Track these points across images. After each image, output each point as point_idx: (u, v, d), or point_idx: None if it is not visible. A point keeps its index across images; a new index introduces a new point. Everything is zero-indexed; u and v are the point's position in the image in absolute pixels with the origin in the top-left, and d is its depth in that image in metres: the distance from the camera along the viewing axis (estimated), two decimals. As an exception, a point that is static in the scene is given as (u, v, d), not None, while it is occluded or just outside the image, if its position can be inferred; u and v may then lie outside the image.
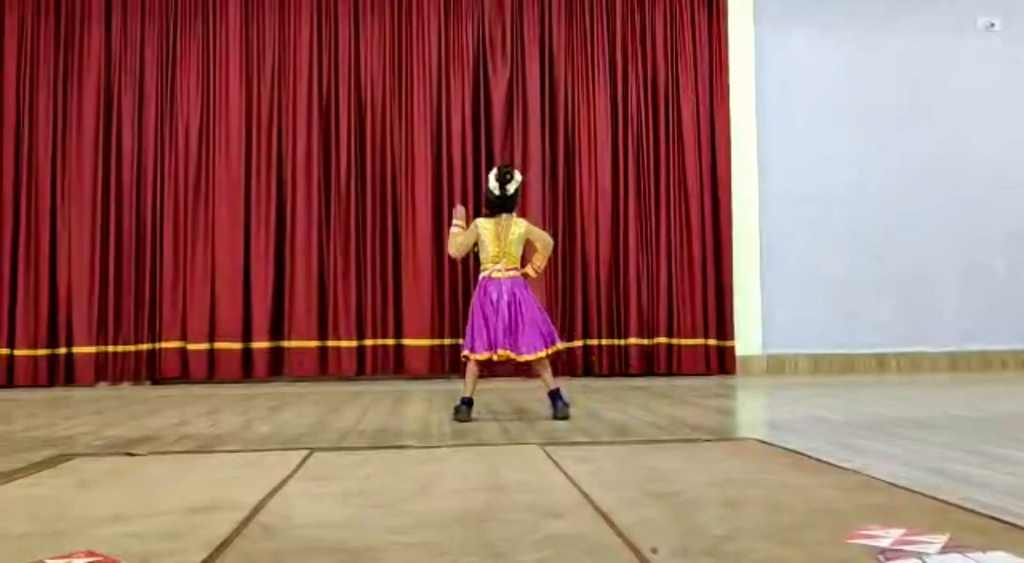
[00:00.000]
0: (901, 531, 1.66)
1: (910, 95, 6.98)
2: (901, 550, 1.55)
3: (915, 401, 4.63)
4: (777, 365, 6.74)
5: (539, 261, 3.87)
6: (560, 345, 3.86)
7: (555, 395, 3.74)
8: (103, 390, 5.95)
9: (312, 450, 2.87)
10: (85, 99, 6.35)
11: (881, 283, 6.86)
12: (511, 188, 3.78)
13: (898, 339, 6.82)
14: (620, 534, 1.69)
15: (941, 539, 1.60)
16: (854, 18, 7.01)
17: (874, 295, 6.85)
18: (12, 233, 6.25)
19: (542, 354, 3.72)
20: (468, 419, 3.65)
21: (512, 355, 3.68)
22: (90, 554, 1.59)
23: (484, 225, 3.82)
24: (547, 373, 3.77)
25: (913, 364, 6.81)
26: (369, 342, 6.34)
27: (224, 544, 1.65)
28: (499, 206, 3.80)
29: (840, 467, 2.42)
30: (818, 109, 6.93)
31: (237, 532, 1.75)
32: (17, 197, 6.28)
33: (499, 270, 3.75)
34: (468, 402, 3.71)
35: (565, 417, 3.67)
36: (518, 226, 3.82)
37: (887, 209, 6.90)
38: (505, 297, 3.70)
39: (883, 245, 6.88)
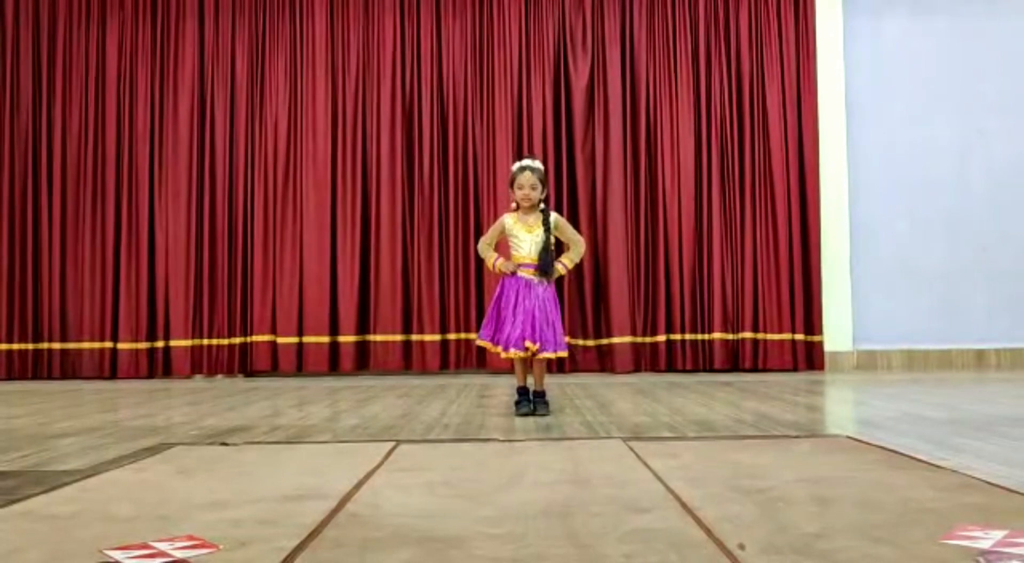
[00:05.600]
0: (1003, 532, 1.60)
1: (1013, 77, 6.68)
2: (1003, 552, 1.49)
3: (1017, 398, 4.44)
4: (868, 361, 6.54)
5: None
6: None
7: None
8: (199, 382, 6.18)
9: (398, 442, 2.93)
10: (180, 101, 6.60)
11: (982, 275, 6.58)
12: None
13: (999, 334, 6.54)
14: (707, 530, 1.68)
15: (1046, 541, 1.54)
16: (950, -2, 6.76)
17: (974, 287, 6.58)
18: (115, 233, 6.53)
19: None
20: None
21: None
22: (191, 538, 1.66)
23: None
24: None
25: (1015, 360, 6.52)
26: (452, 336, 6.41)
27: (316, 531, 1.70)
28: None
29: (937, 465, 2.35)
30: (912, 95, 6.69)
31: (328, 520, 1.80)
32: (119, 198, 6.56)
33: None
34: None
35: None
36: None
37: (989, 198, 6.62)
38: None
39: (984, 235, 6.61)
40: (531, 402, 3.75)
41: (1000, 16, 6.72)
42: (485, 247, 3.83)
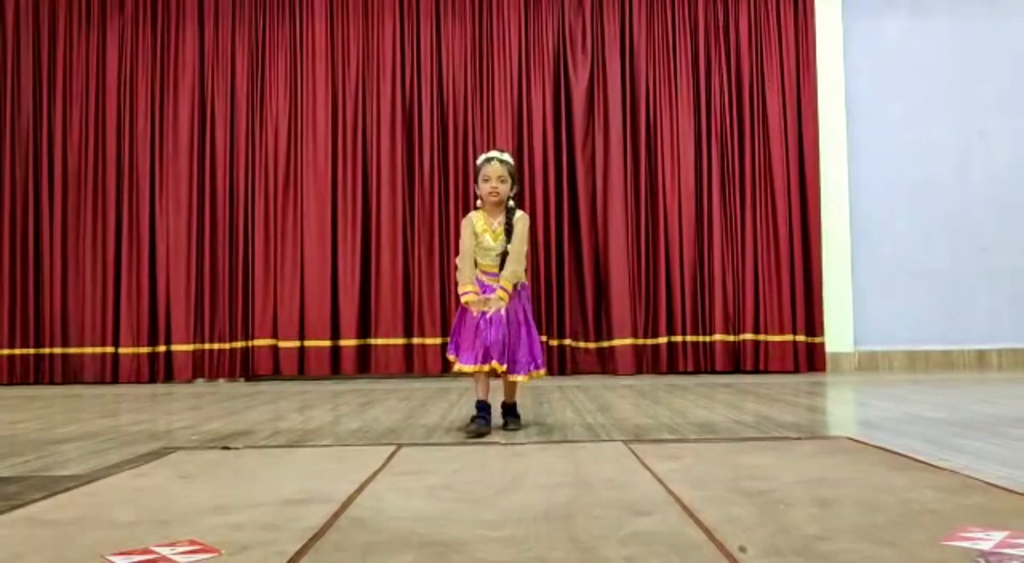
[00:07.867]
0: (1004, 534, 1.60)
1: (1013, 77, 6.68)
2: (1004, 553, 1.49)
3: (1018, 398, 4.43)
4: (870, 362, 6.54)
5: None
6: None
7: None
8: (200, 386, 6.18)
9: (400, 445, 2.93)
10: (180, 104, 6.60)
11: (983, 275, 6.58)
12: None
13: (1001, 334, 6.54)
14: (708, 532, 1.68)
15: (1047, 542, 1.54)
16: None
17: (975, 288, 6.58)
18: (115, 237, 6.53)
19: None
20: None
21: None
22: (193, 542, 1.66)
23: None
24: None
25: (1016, 360, 6.52)
26: (453, 339, 6.40)
27: (317, 535, 1.71)
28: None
29: (938, 467, 2.35)
30: (912, 95, 6.68)
31: (330, 524, 1.80)
32: (119, 202, 6.57)
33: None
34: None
35: None
36: None
37: (990, 198, 6.61)
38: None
39: (985, 236, 6.60)
40: (484, 418, 3.26)
41: (1000, 16, 6.72)
42: (465, 267, 3.27)
